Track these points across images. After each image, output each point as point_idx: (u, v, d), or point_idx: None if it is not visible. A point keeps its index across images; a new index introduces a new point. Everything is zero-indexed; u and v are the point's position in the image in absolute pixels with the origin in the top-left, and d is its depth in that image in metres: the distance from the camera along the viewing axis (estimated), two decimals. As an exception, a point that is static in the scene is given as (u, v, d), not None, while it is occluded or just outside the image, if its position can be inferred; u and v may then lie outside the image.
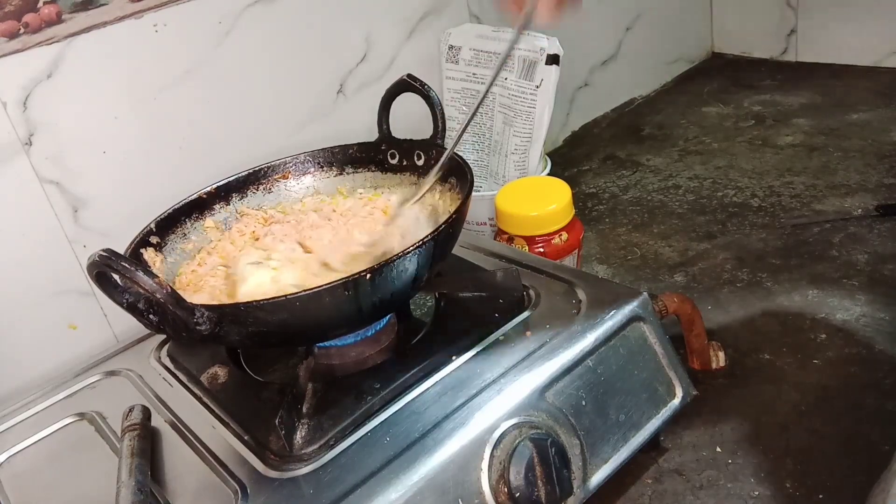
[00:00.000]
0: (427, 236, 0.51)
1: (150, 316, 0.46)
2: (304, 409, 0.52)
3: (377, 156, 0.72)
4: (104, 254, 0.43)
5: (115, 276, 0.44)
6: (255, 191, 0.71)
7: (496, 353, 0.55)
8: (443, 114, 0.65)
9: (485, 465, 0.48)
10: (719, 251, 0.84)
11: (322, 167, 0.73)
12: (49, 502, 0.53)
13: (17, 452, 0.58)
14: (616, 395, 0.54)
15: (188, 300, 0.46)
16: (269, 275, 0.57)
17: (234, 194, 0.70)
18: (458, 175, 0.62)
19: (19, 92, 0.65)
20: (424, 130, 0.66)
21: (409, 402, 0.52)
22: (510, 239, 0.76)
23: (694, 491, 0.55)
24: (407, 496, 0.45)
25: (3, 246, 0.66)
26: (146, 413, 0.56)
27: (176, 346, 0.66)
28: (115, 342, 0.73)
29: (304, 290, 0.47)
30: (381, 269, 0.49)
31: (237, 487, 0.48)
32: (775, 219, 0.88)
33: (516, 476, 0.48)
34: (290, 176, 0.72)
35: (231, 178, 0.70)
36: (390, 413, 0.51)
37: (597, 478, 0.52)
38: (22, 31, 0.64)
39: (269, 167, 0.72)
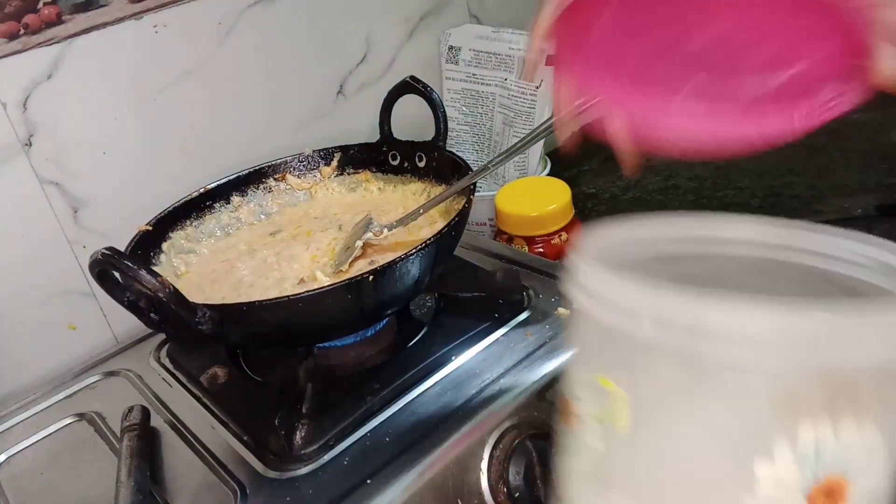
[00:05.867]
0: (430, 239, 0.51)
1: (152, 315, 0.46)
2: (304, 410, 0.51)
3: (378, 157, 0.72)
4: (107, 252, 0.43)
5: (117, 275, 0.44)
6: (255, 190, 0.71)
7: (496, 353, 0.55)
8: (445, 115, 0.65)
9: (484, 465, 0.48)
10: (719, 251, 0.84)
11: (322, 167, 0.73)
12: (48, 502, 0.53)
13: (17, 453, 0.58)
14: (616, 396, 0.54)
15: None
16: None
17: (234, 193, 0.70)
18: (460, 177, 0.62)
19: (19, 93, 0.65)
20: (425, 132, 0.66)
21: (408, 403, 0.52)
22: (510, 239, 0.76)
23: (694, 491, 0.55)
24: (407, 496, 0.45)
25: (3, 247, 0.66)
26: (145, 413, 0.56)
27: (175, 346, 0.66)
28: (115, 343, 0.73)
29: (307, 291, 0.47)
30: (384, 271, 0.49)
31: (236, 488, 0.48)
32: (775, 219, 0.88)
33: (516, 476, 0.48)
34: (290, 175, 0.72)
35: (231, 177, 0.70)
36: (390, 413, 0.51)
37: (597, 478, 0.52)
38: (22, 31, 0.64)
39: (269, 166, 0.72)
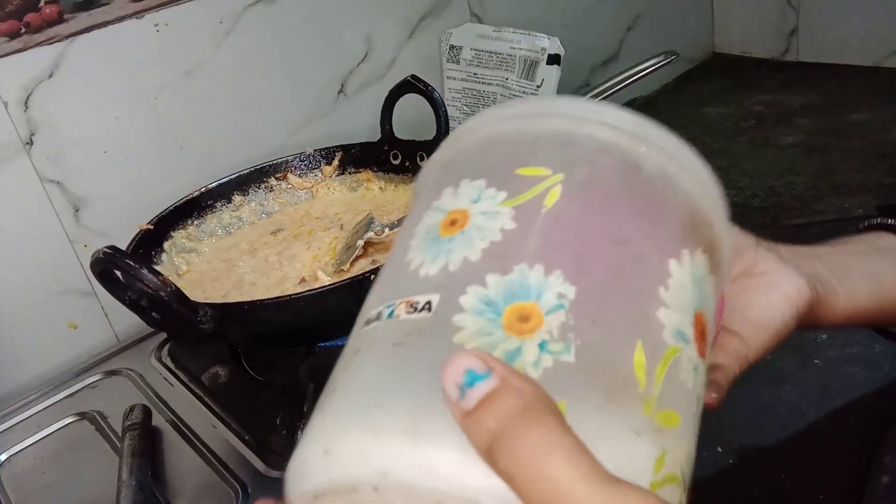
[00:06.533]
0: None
1: (153, 314, 0.46)
2: (306, 409, 0.52)
3: (379, 156, 0.72)
4: (108, 251, 0.43)
5: (119, 274, 0.44)
6: (256, 189, 0.71)
7: (497, 352, 0.55)
8: (446, 115, 0.65)
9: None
10: (720, 251, 0.84)
11: (323, 166, 0.73)
12: (49, 502, 0.53)
13: (18, 452, 0.58)
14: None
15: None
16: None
17: (235, 192, 0.70)
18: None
19: (20, 91, 0.65)
20: (427, 131, 0.66)
21: (410, 402, 0.52)
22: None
23: (695, 491, 0.55)
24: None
25: (4, 245, 0.66)
26: (147, 413, 0.56)
27: (177, 345, 0.66)
28: (116, 341, 0.73)
29: (308, 291, 0.47)
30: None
31: (238, 487, 0.48)
32: (776, 219, 0.88)
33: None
34: (291, 174, 0.72)
35: (233, 176, 0.70)
36: (392, 413, 0.51)
37: (598, 477, 0.52)
38: (23, 30, 0.64)
39: (270, 165, 0.72)
